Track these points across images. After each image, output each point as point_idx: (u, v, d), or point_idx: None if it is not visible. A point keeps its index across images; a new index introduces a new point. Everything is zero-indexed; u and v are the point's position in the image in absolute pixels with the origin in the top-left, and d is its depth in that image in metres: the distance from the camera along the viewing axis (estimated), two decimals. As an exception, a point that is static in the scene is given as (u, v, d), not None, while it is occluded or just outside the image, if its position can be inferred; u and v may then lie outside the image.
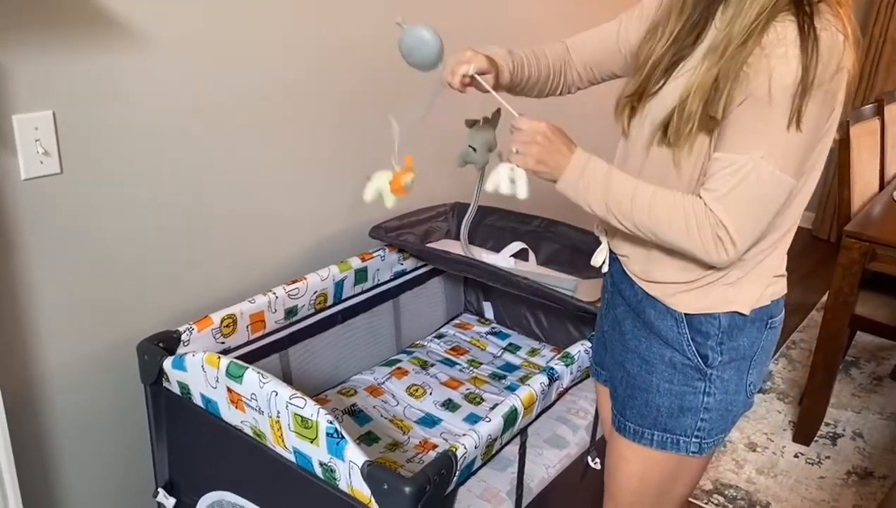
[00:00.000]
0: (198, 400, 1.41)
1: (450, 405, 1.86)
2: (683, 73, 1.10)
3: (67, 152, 1.36)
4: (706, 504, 2.21)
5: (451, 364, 2.04)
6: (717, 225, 1.05)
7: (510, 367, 2.05)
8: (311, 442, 1.22)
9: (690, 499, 2.20)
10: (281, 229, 1.82)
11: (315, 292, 1.78)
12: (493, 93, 1.21)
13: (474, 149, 1.28)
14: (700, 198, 1.06)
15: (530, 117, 1.15)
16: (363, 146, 1.95)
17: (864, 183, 2.60)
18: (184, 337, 1.50)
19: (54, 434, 1.47)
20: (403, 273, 2.05)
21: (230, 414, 1.36)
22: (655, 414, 1.23)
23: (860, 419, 2.65)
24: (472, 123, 1.30)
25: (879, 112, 2.73)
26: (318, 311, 1.82)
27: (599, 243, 1.34)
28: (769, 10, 1.01)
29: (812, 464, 2.40)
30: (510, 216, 2.07)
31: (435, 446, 1.71)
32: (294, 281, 1.73)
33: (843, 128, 2.46)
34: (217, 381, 1.33)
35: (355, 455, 1.17)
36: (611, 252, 1.32)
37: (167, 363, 1.42)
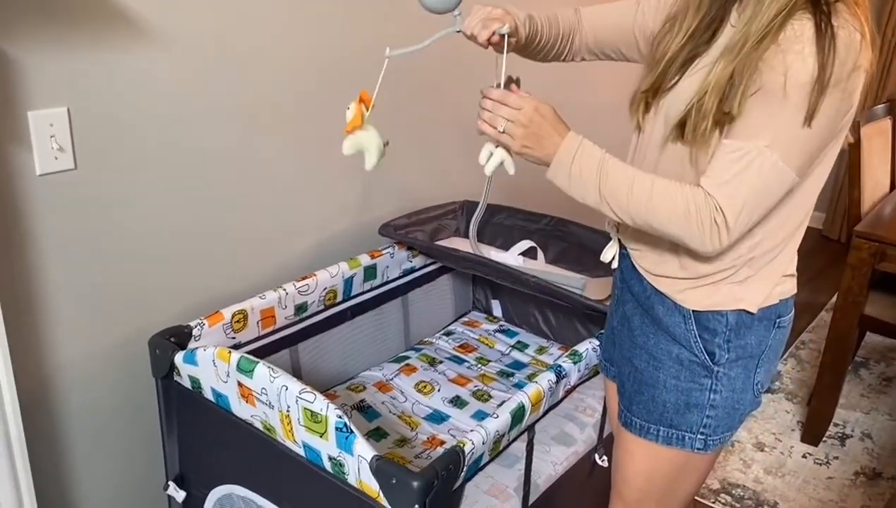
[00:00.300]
0: (208, 395, 1.42)
1: (458, 401, 1.87)
2: (699, 70, 1.10)
3: (82, 148, 1.37)
4: (713, 503, 2.21)
5: (460, 361, 2.05)
6: (716, 210, 1.04)
7: (518, 365, 2.06)
8: (321, 437, 1.23)
9: (697, 498, 2.20)
10: (291, 226, 1.83)
11: (325, 288, 1.79)
12: (503, 59, 1.16)
13: None
14: (700, 187, 1.06)
15: (520, 92, 1.11)
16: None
17: (874, 183, 2.59)
18: (195, 331, 1.52)
19: (67, 426, 1.49)
20: (412, 270, 2.06)
21: (240, 409, 1.37)
22: (662, 410, 1.24)
23: (869, 419, 2.64)
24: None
25: (891, 112, 2.72)
26: (327, 308, 1.83)
27: (608, 241, 1.35)
28: (787, 9, 1.01)
29: (820, 465, 2.40)
30: (519, 214, 2.07)
31: (443, 442, 1.72)
32: (304, 278, 1.75)
33: (855, 129, 2.46)
34: (228, 376, 1.35)
35: (364, 449, 1.18)
36: (621, 248, 1.32)
37: (178, 357, 1.43)
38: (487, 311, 2.32)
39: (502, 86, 1.13)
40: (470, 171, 2.23)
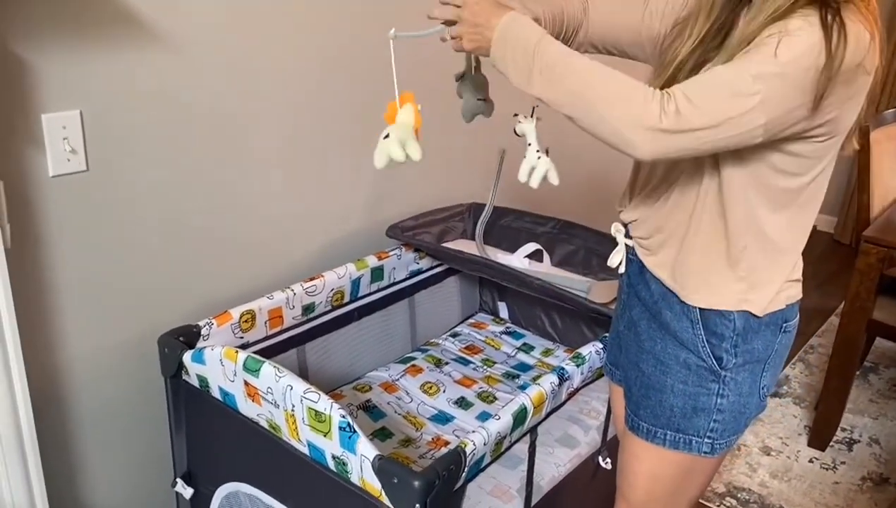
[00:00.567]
0: (216, 393, 1.45)
1: (463, 403, 1.88)
2: None
3: (93, 150, 1.40)
4: (718, 506, 2.21)
5: (465, 362, 2.07)
6: (668, 98, 0.99)
7: (524, 367, 2.07)
8: (325, 436, 1.25)
9: (702, 501, 2.21)
10: (299, 228, 1.85)
11: (332, 289, 1.81)
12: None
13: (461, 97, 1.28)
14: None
15: None
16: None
17: (884, 187, 2.59)
18: (203, 331, 1.54)
19: (77, 423, 1.52)
20: (419, 272, 2.07)
21: (247, 407, 1.39)
22: (669, 414, 1.24)
23: (877, 425, 2.63)
24: (459, 76, 1.30)
25: (901, 117, 2.71)
26: (334, 308, 1.85)
27: (614, 245, 1.35)
28: (787, 6, 1.00)
29: (827, 469, 2.40)
30: (526, 217, 2.09)
31: (447, 443, 1.74)
32: (312, 279, 1.77)
33: (864, 133, 2.46)
34: (235, 375, 1.37)
35: (367, 449, 1.20)
36: (628, 253, 1.33)
37: (187, 356, 1.46)
38: (494, 313, 2.34)
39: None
40: (477, 174, 2.25)
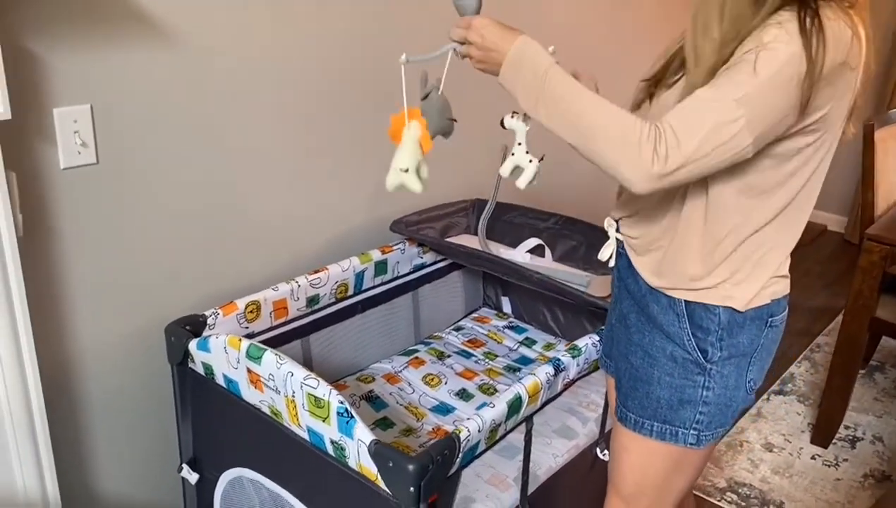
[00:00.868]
0: (220, 381, 1.49)
1: (464, 394, 1.92)
2: None
3: (104, 144, 1.45)
4: (719, 501, 2.23)
5: (468, 355, 2.10)
6: (661, 139, 1.02)
7: (525, 360, 2.10)
8: (324, 421, 1.28)
9: (703, 496, 2.23)
10: (305, 221, 1.89)
11: (336, 282, 1.85)
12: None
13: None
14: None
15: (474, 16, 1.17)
16: (385, 142, 2.01)
17: (888, 186, 2.59)
18: (209, 321, 1.58)
19: (87, 410, 1.57)
20: (423, 266, 2.11)
21: (250, 394, 1.43)
22: (656, 406, 1.27)
23: (881, 423, 2.64)
24: (424, 97, 1.31)
25: (907, 115, 2.71)
26: (339, 301, 1.89)
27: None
28: (765, 7, 1.03)
29: (829, 466, 2.41)
30: (528, 213, 2.12)
31: (447, 433, 1.77)
32: (316, 271, 1.80)
33: (868, 132, 2.46)
34: (238, 362, 1.41)
35: (363, 433, 1.23)
36: (618, 247, 1.36)
37: (192, 345, 1.50)
38: (497, 308, 2.37)
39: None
40: (481, 170, 2.28)
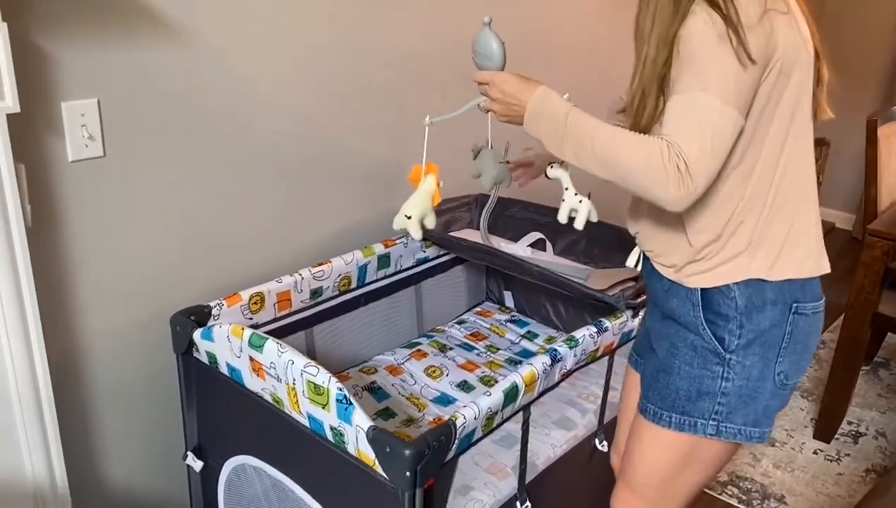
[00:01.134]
0: (224, 369, 1.52)
1: (465, 386, 1.94)
2: None
3: (110, 137, 1.48)
4: (720, 494, 2.24)
5: (470, 348, 2.12)
6: (678, 156, 1.07)
7: (527, 354, 2.12)
8: (323, 408, 1.31)
9: (704, 489, 2.24)
10: (308, 215, 1.92)
11: (339, 275, 1.88)
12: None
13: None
14: (662, 138, 1.10)
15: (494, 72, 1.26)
16: (390, 139, 2.04)
17: (892, 182, 2.60)
18: (214, 311, 1.61)
19: (94, 398, 1.60)
20: (426, 260, 2.13)
21: (252, 382, 1.46)
22: (675, 396, 1.28)
23: (885, 419, 2.64)
24: (476, 153, 1.46)
25: (911, 111, 2.72)
26: (342, 293, 1.92)
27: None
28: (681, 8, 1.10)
29: (831, 461, 2.41)
30: (530, 208, 2.14)
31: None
32: (319, 264, 1.83)
33: (871, 129, 2.47)
34: (241, 351, 1.44)
35: (362, 419, 1.26)
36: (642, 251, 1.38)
37: (197, 334, 1.53)
38: (500, 302, 2.39)
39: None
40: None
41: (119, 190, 1.52)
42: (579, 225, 1.34)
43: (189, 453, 1.66)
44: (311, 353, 1.88)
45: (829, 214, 4.42)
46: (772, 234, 1.21)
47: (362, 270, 1.94)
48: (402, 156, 2.08)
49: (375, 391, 1.90)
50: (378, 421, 1.73)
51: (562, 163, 1.37)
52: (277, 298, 1.75)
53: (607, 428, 1.78)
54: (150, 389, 1.69)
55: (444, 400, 1.89)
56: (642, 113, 1.16)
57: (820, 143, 4.13)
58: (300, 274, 1.79)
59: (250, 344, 1.41)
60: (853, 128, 3.21)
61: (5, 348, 1.34)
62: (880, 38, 4.00)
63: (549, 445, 1.69)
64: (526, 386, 1.43)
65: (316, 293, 1.84)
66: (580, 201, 1.34)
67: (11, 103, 1.22)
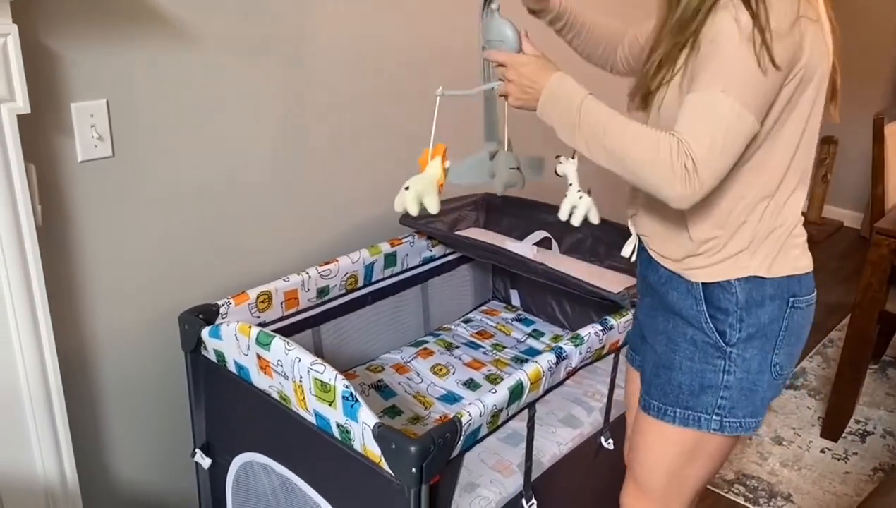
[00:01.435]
0: (231, 367, 1.53)
1: (471, 384, 1.95)
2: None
3: (119, 137, 1.49)
4: (727, 492, 2.24)
5: (476, 347, 2.13)
6: (686, 155, 1.07)
7: (533, 352, 2.13)
8: (330, 405, 1.32)
9: (711, 487, 2.24)
10: (315, 214, 1.94)
11: (346, 274, 1.89)
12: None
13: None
14: (673, 134, 1.10)
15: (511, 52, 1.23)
16: (395, 138, 2.05)
17: (899, 180, 2.59)
18: (222, 310, 1.63)
19: (103, 395, 1.62)
20: (432, 259, 2.14)
21: (259, 380, 1.47)
22: (677, 392, 1.29)
23: (892, 418, 2.63)
24: (492, 155, 1.44)
25: (919, 110, 2.71)
26: (349, 292, 1.93)
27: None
28: None
29: (838, 459, 2.41)
30: (536, 206, 2.14)
31: (454, 421, 1.80)
32: (326, 263, 1.85)
33: (878, 127, 2.47)
34: (248, 349, 1.45)
35: (368, 416, 1.27)
36: (639, 242, 1.38)
37: (205, 332, 1.54)
38: (506, 300, 2.40)
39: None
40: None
41: (128, 189, 1.54)
42: (576, 221, 1.33)
43: (197, 450, 1.68)
44: (318, 351, 1.89)
45: (836, 212, 4.40)
46: (773, 234, 1.22)
47: (369, 269, 1.95)
48: (409, 155, 2.09)
49: (382, 389, 1.91)
50: (384, 419, 1.75)
51: (567, 157, 1.35)
52: (285, 297, 1.76)
53: (613, 426, 1.78)
54: (158, 387, 1.70)
55: (450, 398, 1.90)
56: (654, 78, 1.16)
57: (827, 141, 4.13)
58: (307, 273, 1.80)
59: (257, 342, 1.42)
60: (860, 126, 3.20)
61: (16, 346, 1.35)
62: (888, 36, 3.99)
63: (554, 443, 1.69)
64: (531, 383, 1.44)
65: (323, 292, 1.85)
66: (580, 197, 1.33)
67: (22, 104, 1.24)
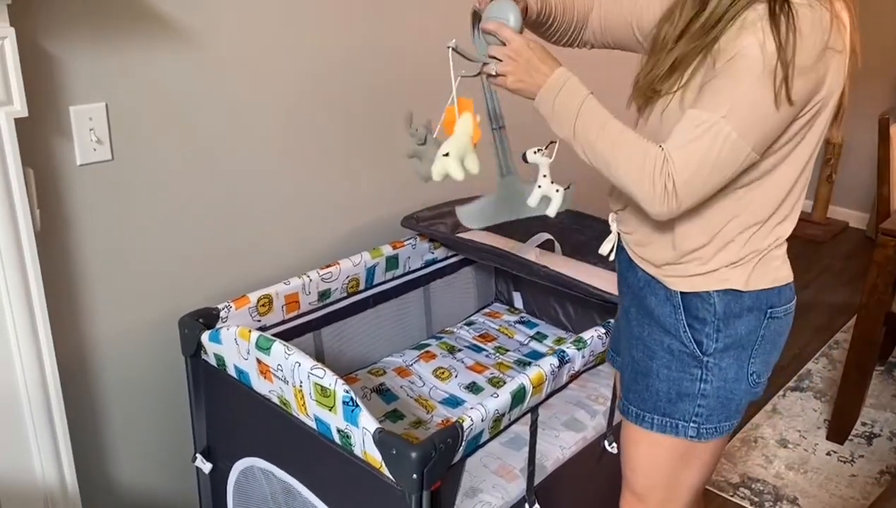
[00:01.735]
0: (232, 371, 1.52)
1: (473, 387, 1.94)
2: None
3: (118, 141, 1.49)
4: (732, 496, 2.23)
5: (479, 350, 2.12)
6: (668, 175, 1.06)
7: (536, 355, 2.12)
8: (330, 410, 1.31)
9: (716, 491, 2.23)
10: (316, 217, 1.93)
11: (347, 276, 1.88)
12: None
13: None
14: (662, 148, 1.09)
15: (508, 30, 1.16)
16: (397, 140, 2.04)
17: (905, 181, 2.57)
18: (222, 314, 1.62)
19: (103, 400, 1.61)
20: (434, 261, 2.13)
21: (260, 384, 1.46)
22: (655, 399, 1.28)
23: (899, 420, 2.62)
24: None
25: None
26: (350, 295, 1.92)
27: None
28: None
29: (844, 462, 2.39)
30: (538, 208, 2.13)
31: (456, 425, 1.79)
32: (328, 266, 1.84)
33: (883, 127, 2.45)
34: (248, 353, 1.44)
35: (368, 422, 1.26)
36: (619, 242, 1.37)
37: (205, 336, 1.53)
38: (509, 303, 2.38)
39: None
40: (492, 166, 2.29)
41: (127, 193, 1.53)
42: (552, 212, 1.30)
43: (198, 455, 1.67)
44: (319, 355, 1.88)
45: (841, 213, 4.38)
46: (758, 254, 1.20)
47: (370, 272, 1.94)
48: (410, 159, 2.08)
49: (384, 392, 1.90)
50: (386, 423, 1.74)
51: (543, 150, 1.31)
52: (286, 300, 1.75)
53: (616, 430, 1.76)
54: (158, 391, 1.69)
55: (452, 401, 1.89)
56: (658, 73, 1.14)
57: (832, 142, 4.10)
58: (308, 276, 1.79)
59: (257, 346, 1.41)
60: (866, 126, 3.18)
61: (15, 351, 1.35)
62: (893, 36, 3.96)
63: (557, 447, 1.68)
64: (533, 387, 1.43)
65: (324, 295, 1.84)
66: (556, 190, 1.29)
67: (20, 107, 1.23)
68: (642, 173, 1.08)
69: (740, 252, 1.18)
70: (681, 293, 1.22)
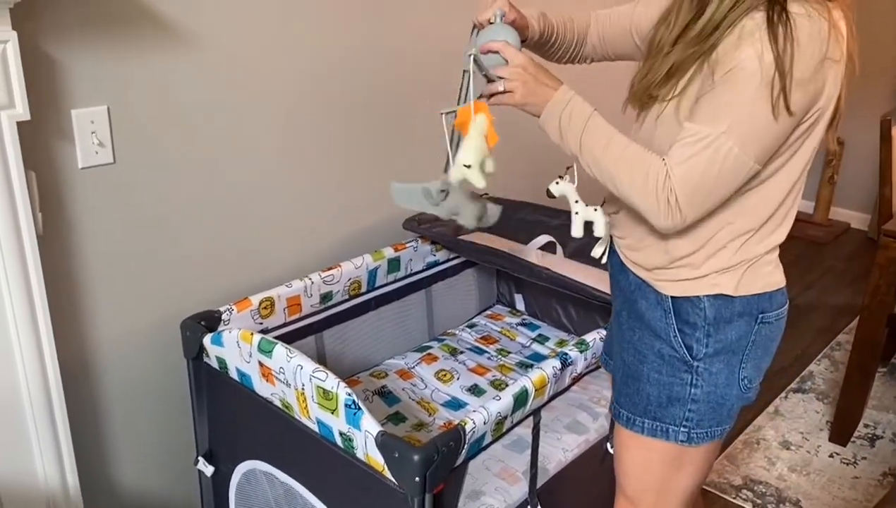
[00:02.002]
0: (234, 374, 1.52)
1: (475, 390, 1.94)
2: None
3: (120, 144, 1.49)
4: (734, 498, 2.22)
5: (480, 352, 2.12)
6: (671, 190, 1.07)
7: (538, 357, 2.11)
8: (332, 413, 1.31)
9: (718, 493, 2.22)
10: (318, 219, 1.93)
11: (349, 279, 1.88)
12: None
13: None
14: (664, 162, 1.09)
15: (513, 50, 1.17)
16: (398, 141, 2.04)
17: (907, 182, 2.57)
18: (224, 316, 1.62)
19: (105, 403, 1.61)
20: (436, 264, 2.13)
21: (262, 387, 1.46)
22: (646, 403, 1.27)
23: (902, 421, 2.61)
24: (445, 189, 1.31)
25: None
26: (352, 297, 1.92)
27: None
28: (742, 3, 1.04)
29: (847, 464, 2.39)
30: (540, 210, 2.13)
31: (458, 427, 1.79)
32: (329, 269, 1.84)
33: (885, 128, 2.44)
34: (250, 356, 1.44)
35: (370, 425, 1.25)
36: (611, 245, 1.37)
37: (207, 339, 1.53)
38: (511, 305, 2.38)
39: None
40: (499, 164, 2.29)
41: (129, 196, 1.53)
42: (601, 232, 1.34)
43: (200, 458, 1.67)
44: (321, 358, 1.88)
45: (843, 214, 4.37)
46: (748, 258, 1.19)
47: (372, 274, 1.94)
48: (412, 158, 2.08)
49: (386, 395, 1.90)
50: (388, 426, 1.74)
51: (563, 177, 1.35)
52: (287, 303, 1.75)
53: (619, 432, 1.77)
54: (160, 394, 1.69)
55: (454, 404, 1.89)
56: (653, 79, 1.14)
57: (829, 149, 4.10)
58: (310, 279, 1.79)
59: (259, 349, 1.41)
60: (867, 127, 3.17)
61: (17, 354, 1.35)
62: (894, 36, 3.96)
63: (560, 449, 1.68)
64: (536, 390, 1.42)
65: (326, 297, 1.84)
66: (595, 211, 1.33)
67: (22, 111, 1.23)
68: (646, 188, 1.09)
69: (732, 258, 1.18)
70: (671, 297, 1.22)
